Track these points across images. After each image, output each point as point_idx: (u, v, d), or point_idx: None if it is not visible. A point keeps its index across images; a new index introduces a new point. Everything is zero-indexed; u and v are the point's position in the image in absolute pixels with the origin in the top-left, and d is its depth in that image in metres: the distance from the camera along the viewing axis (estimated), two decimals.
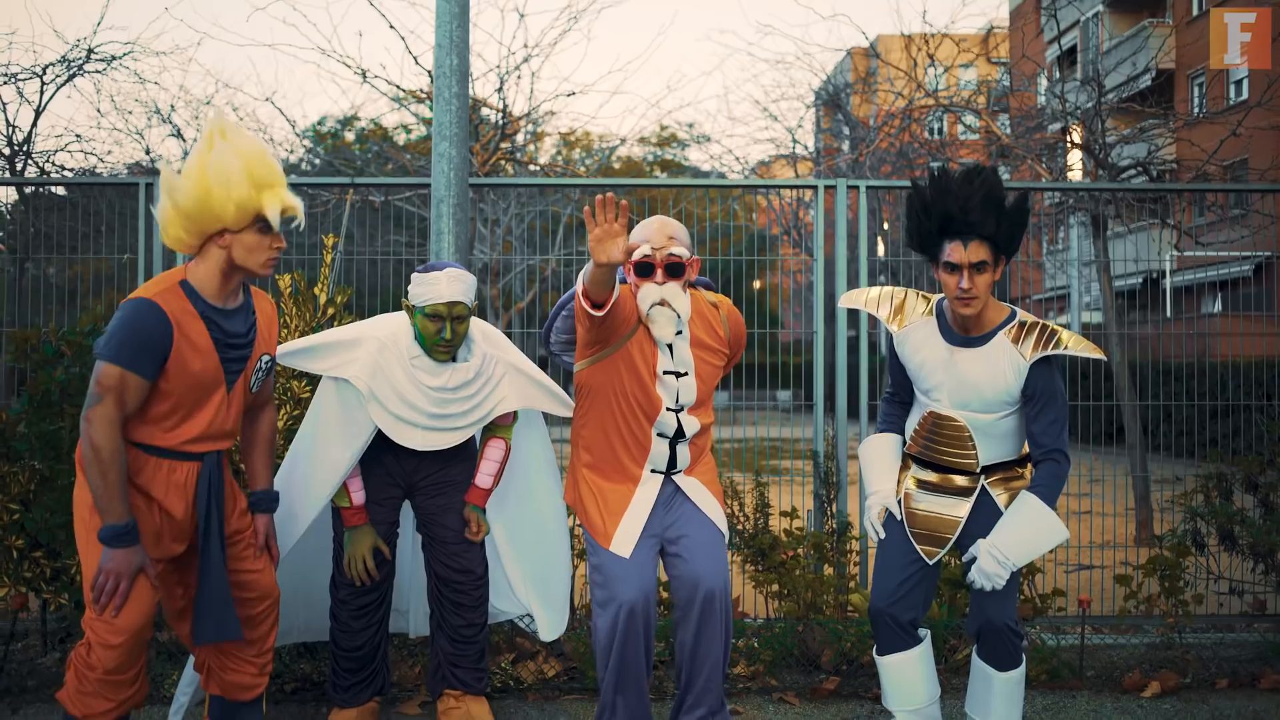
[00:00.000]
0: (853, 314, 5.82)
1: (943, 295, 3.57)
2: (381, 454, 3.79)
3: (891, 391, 3.79)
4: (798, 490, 5.70)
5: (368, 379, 3.60)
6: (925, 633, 3.66)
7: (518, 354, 3.85)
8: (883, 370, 3.94)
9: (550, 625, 4.07)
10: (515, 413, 3.90)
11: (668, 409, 3.48)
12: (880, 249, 12.83)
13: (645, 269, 3.30)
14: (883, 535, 3.62)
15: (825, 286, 5.55)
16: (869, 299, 3.68)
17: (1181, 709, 4.33)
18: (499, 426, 3.91)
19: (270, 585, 3.42)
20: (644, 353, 3.47)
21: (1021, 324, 3.44)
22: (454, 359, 3.68)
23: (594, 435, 3.58)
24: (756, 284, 8.63)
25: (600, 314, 3.20)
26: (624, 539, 3.49)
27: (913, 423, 3.66)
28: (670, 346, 3.45)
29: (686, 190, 8.35)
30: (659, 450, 3.53)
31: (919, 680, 3.63)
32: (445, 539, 3.83)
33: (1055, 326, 3.43)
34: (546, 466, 4.12)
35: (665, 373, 3.46)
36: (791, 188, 8.74)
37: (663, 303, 3.31)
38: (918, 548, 3.57)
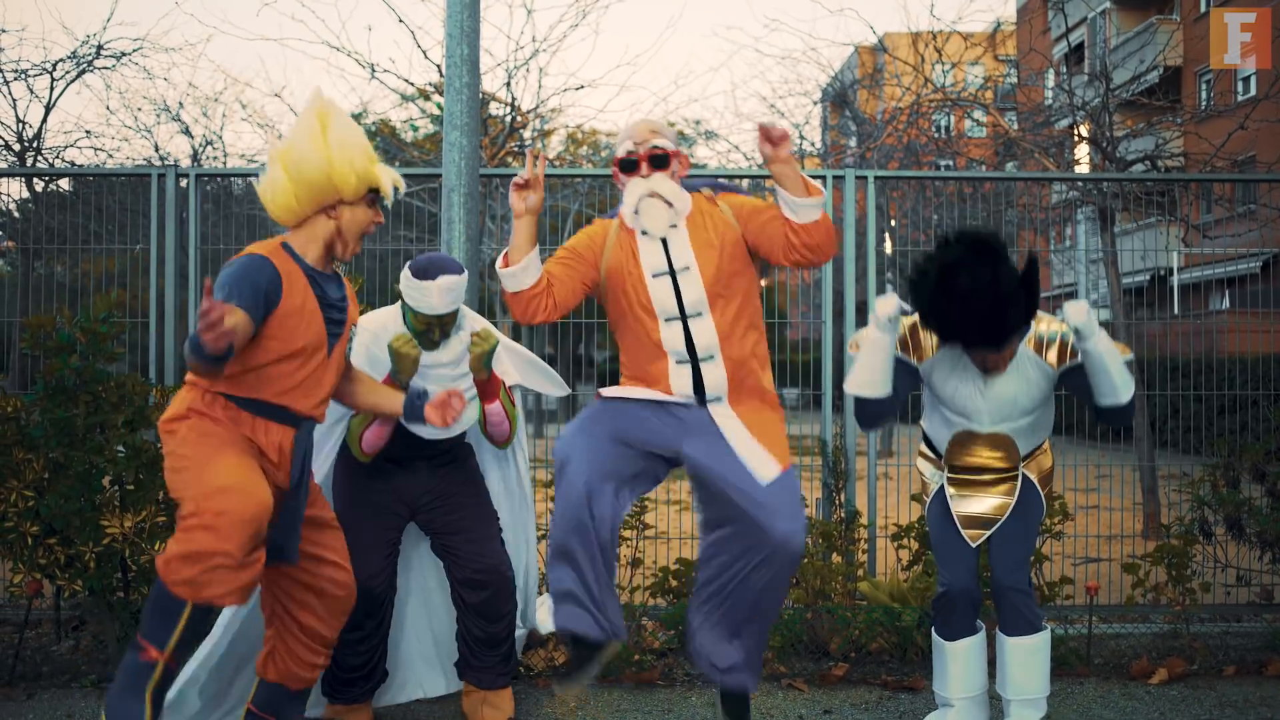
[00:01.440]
0: (860, 312, 5.83)
1: None
2: (386, 472, 3.75)
3: None
4: (805, 484, 5.71)
5: (364, 362, 3.68)
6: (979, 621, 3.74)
7: (509, 340, 3.92)
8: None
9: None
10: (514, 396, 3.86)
11: (667, 319, 3.19)
12: (888, 245, 12.84)
13: (629, 164, 3.23)
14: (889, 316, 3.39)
15: (834, 282, 5.57)
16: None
17: (1188, 695, 4.35)
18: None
19: (348, 579, 3.38)
20: (634, 283, 3.26)
21: (1038, 337, 3.47)
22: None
23: (624, 359, 3.35)
24: (764, 282, 8.63)
25: (516, 286, 3.17)
26: (638, 392, 3.20)
27: (942, 438, 3.68)
28: (666, 243, 3.22)
29: None
30: (680, 377, 3.20)
31: (981, 667, 3.71)
32: (461, 546, 3.78)
33: (1060, 327, 3.45)
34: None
35: (656, 275, 3.21)
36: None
37: (652, 195, 3.18)
38: (964, 532, 3.62)
